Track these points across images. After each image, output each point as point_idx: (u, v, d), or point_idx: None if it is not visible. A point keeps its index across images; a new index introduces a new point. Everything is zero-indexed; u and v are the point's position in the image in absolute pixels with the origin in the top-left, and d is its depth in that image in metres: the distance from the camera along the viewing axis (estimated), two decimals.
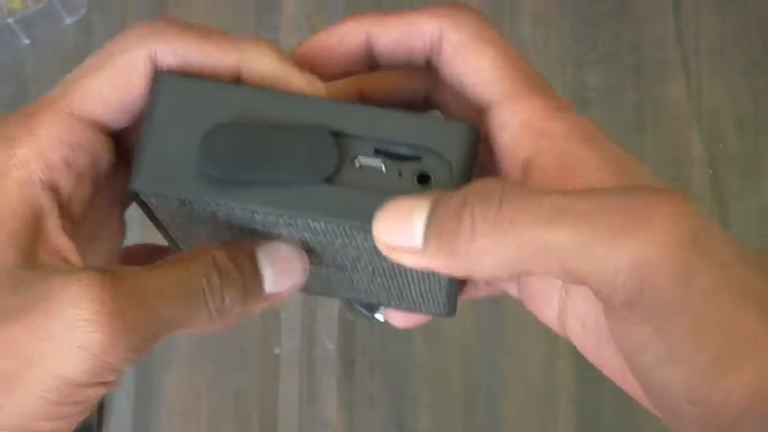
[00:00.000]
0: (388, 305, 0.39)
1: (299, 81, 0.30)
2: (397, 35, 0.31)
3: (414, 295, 0.36)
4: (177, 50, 0.30)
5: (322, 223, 0.30)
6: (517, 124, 0.29)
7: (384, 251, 0.28)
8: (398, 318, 0.38)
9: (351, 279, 0.36)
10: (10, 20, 0.89)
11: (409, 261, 0.28)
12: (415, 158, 0.30)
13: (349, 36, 0.32)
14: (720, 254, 0.26)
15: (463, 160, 0.30)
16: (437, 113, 0.35)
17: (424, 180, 0.30)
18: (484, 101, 0.30)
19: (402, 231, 0.27)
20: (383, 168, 0.30)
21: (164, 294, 0.28)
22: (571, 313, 0.31)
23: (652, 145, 0.90)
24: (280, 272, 0.31)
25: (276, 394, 0.87)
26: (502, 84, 0.30)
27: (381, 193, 0.29)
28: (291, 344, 0.88)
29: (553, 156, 0.29)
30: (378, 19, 0.32)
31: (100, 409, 0.85)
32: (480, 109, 0.31)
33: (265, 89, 0.30)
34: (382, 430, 0.87)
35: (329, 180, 0.30)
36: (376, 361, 0.87)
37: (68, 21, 0.92)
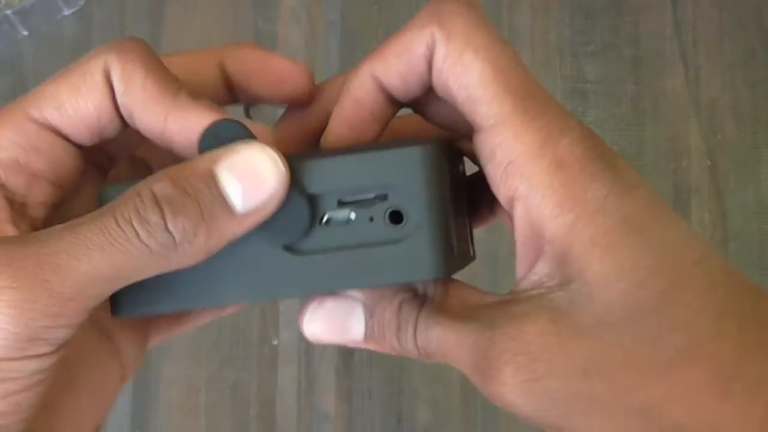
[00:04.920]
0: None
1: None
2: (398, 65, 0.30)
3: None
4: (124, 72, 0.29)
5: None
6: (501, 160, 0.28)
7: None
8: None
9: None
10: (8, 12, 0.89)
11: None
12: (382, 197, 0.29)
13: (363, 92, 0.31)
14: None
15: (430, 186, 0.28)
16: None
17: (397, 219, 0.29)
18: (472, 122, 0.29)
19: None
20: (353, 217, 0.29)
21: (77, 249, 0.26)
22: None
23: (651, 137, 0.90)
24: (250, 183, 0.28)
25: (274, 386, 0.87)
26: (489, 107, 0.28)
27: (354, 250, 0.28)
28: (289, 336, 0.88)
29: (526, 208, 0.28)
30: (378, 57, 0.30)
31: None
32: (471, 127, 0.29)
33: None
34: (380, 422, 0.87)
35: (298, 249, 0.29)
36: (375, 354, 0.87)
37: (66, 12, 0.92)
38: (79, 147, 0.31)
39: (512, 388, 0.27)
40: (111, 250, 0.26)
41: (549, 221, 0.27)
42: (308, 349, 0.87)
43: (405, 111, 0.32)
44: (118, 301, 0.30)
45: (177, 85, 0.30)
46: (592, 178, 0.27)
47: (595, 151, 0.27)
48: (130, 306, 0.30)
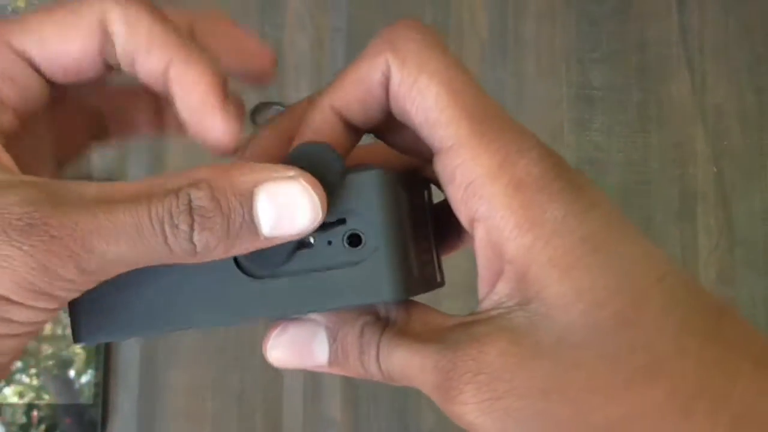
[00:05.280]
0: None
1: (218, 127, 0.30)
2: (356, 93, 0.30)
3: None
4: (128, 18, 0.29)
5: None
6: (460, 182, 0.28)
7: None
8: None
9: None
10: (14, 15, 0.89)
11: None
12: (341, 221, 0.29)
13: (322, 123, 0.31)
14: None
15: (385, 209, 0.29)
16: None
17: (355, 242, 0.29)
18: (431, 145, 0.29)
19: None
20: (312, 241, 0.29)
21: (109, 234, 0.26)
22: None
23: (657, 143, 0.90)
24: (284, 217, 0.27)
25: (280, 392, 0.87)
26: (447, 129, 0.28)
27: (314, 273, 0.29)
28: None
29: (486, 229, 0.28)
30: (335, 88, 0.30)
31: (104, 407, 0.85)
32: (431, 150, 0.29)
33: None
34: (386, 428, 0.87)
35: (259, 274, 0.29)
36: None
37: None
38: (49, 82, 0.31)
39: (473, 407, 0.27)
40: (138, 241, 0.26)
41: (508, 242, 0.27)
42: None
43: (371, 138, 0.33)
44: (78, 328, 0.30)
45: (182, 33, 0.30)
46: (550, 199, 0.27)
47: (554, 171, 0.28)
48: (91, 333, 0.30)
